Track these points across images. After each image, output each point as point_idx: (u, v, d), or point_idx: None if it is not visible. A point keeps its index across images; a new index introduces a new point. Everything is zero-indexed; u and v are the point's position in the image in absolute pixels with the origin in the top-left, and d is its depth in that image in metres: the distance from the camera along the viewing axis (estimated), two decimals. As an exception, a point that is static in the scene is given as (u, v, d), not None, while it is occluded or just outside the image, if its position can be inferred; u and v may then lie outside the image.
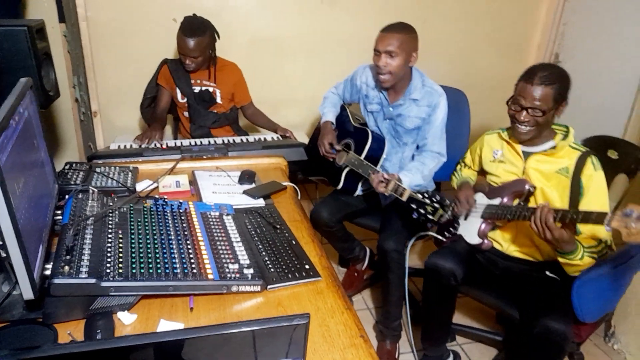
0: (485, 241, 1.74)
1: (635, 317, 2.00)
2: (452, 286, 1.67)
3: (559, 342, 1.43)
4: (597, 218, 1.31)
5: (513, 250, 1.73)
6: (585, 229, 1.51)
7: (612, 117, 2.84)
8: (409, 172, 1.89)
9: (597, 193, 1.53)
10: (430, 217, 1.66)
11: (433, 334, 1.86)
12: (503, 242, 1.75)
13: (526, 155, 1.67)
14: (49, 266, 0.98)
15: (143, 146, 2.13)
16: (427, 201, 1.65)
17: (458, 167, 2.00)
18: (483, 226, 1.73)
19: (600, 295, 1.54)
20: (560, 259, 1.50)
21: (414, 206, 1.69)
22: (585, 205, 1.53)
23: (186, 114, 2.47)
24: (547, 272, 1.68)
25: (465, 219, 1.78)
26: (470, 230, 1.77)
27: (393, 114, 1.98)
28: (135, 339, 0.52)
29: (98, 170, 1.57)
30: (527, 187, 1.62)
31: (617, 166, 1.86)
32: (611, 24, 2.92)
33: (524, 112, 1.56)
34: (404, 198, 1.68)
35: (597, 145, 1.91)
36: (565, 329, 1.43)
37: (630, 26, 2.78)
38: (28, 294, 0.86)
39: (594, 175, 1.53)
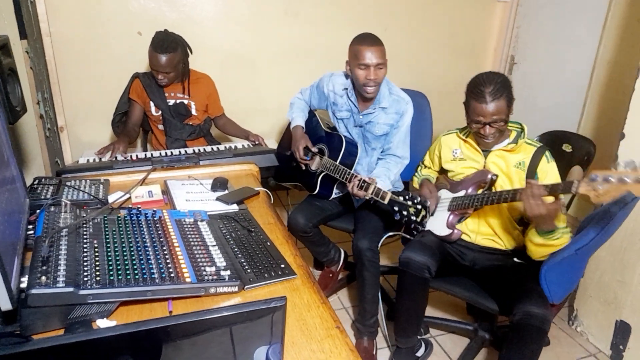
0: (455, 231, 1.81)
1: (595, 300, 2.11)
2: (426, 279, 1.71)
3: (539, 326, 1.48)
4: (564, 188, 1.41)
5: (481, 240, 1.80)
6: None
7: (567, 114, 2.98)
8: (378, 178, 1.92)
9: (551, 181, 1.63)
10: (413, 218, 1.66)
11: (405, 326, 1.88)
12: (470, 232, 1.82)
13: (485, 152, 1.76)
14: (25, 279, 0.98)
15: (109, 159, 2.12)
16: (409, 203, 1.65)
17: (418, 168, 2.08)
18: (451, 218, 1.81)
19: (564, 277, 1.63)
20: (538, 239, 1.56)
21: (396, 208, 1.69)
22: None
23: (160, 126, 2.47)
24: (515, 259, 1.76)
25: (432, 214, 1.86)
26: (437, 224, 1.84)
27: (363, 121, 2.03)
28: (122, 328, 0.55)
29: (68, 184, 1.56)
30: (489, 176, 1.72)
31: (572, 158, 1.98)
32: (561, 26, 3.08)
33: (487, 127, 1.64)
34: (386, 201, 1.70)
35: (552, 140, 2.03)
36: (544, 312, 1.48)
37: (579, 27, 2.94)
38: (6, 304, 0.86)
39: (547, 167, 1.66)
